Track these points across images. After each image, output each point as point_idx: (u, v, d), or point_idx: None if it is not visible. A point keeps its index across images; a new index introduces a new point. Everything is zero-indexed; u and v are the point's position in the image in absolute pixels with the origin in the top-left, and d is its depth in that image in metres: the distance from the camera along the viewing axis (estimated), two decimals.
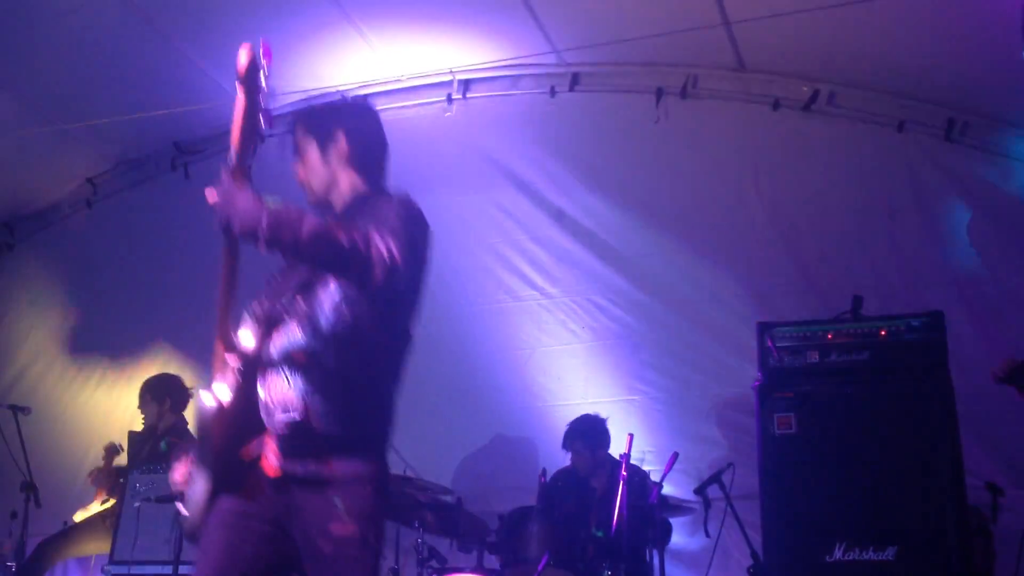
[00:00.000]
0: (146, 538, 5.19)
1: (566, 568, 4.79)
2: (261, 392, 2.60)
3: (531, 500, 5.40)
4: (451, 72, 6.98)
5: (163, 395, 6.27)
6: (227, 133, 8.11)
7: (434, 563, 5.29)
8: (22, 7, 6.08)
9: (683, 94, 6.48)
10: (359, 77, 7.10)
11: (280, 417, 2.57)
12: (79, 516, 6.34)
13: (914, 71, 5.95)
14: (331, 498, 2.53)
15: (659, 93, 6.50)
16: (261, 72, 2.56)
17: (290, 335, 2.63)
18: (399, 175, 7.21)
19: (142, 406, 6.30)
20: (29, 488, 6.00)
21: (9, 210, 7.87)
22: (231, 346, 2.59)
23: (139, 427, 6.33)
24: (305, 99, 7.23)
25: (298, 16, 6.36)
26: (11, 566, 6.33)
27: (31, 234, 7.97)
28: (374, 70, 7.00)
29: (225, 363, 2.57)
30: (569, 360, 6.29)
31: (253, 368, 2.60)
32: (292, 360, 2.61)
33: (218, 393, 2.55)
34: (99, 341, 7.56)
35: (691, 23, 6.00)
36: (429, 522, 5.16)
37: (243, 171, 2.54)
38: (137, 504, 5.27)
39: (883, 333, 4.50)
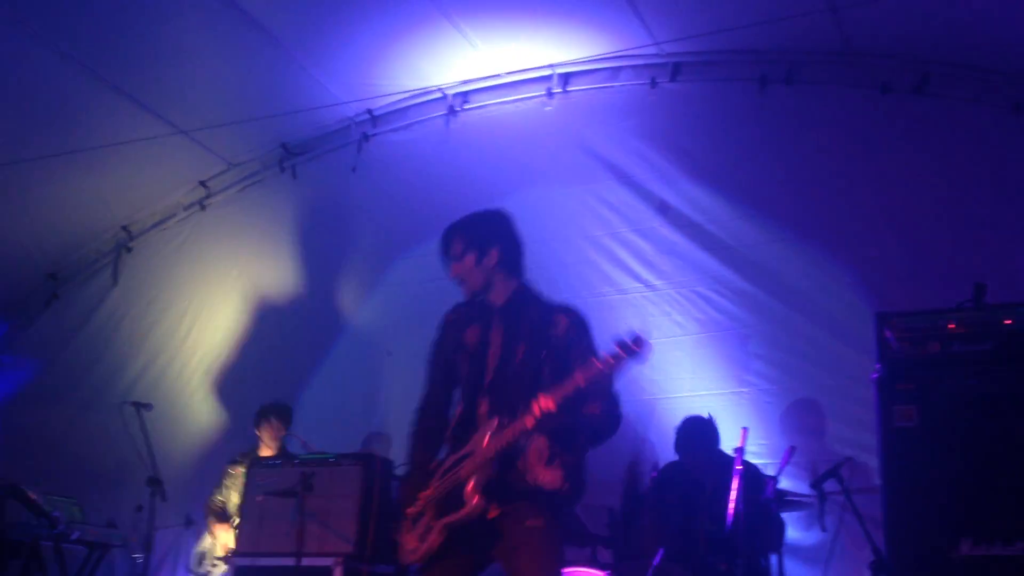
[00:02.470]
0: (268, 530, 5.34)
1: (681, 563, 4.78)
2: None
3: (640, 495, 5.41)
4: (551, 67, 7.00)
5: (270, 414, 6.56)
6: (333, 134, 8.28)
7: None
8: (137, 15, 6.31)
9: (787, 80, 6.38)
10: (460, 75, 7.20)
11: None
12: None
13: None
14: None
15: (763, 80, 6.42)
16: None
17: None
18: (501, 170, 7.37)
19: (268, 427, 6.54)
20: (154, 483, 6.22)
21: (128, 213, 8.15)
22: None
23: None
24: (408, 99, 7.42)
25: (399, 16, 6.47)
26: (137, 558, 6.59)
27: (149, 236, 8.24)
28: (474, 67, 7.08)
29: None
30: (675, 353, 6.24)
31: None
32: None
33: None
34: (213, 339, 7.81)
35: (795, 9, 5.90)
36: None
37: None
38: (259, 498, 5.43)
39: (1007, 322, 4.35)
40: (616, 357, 2.98)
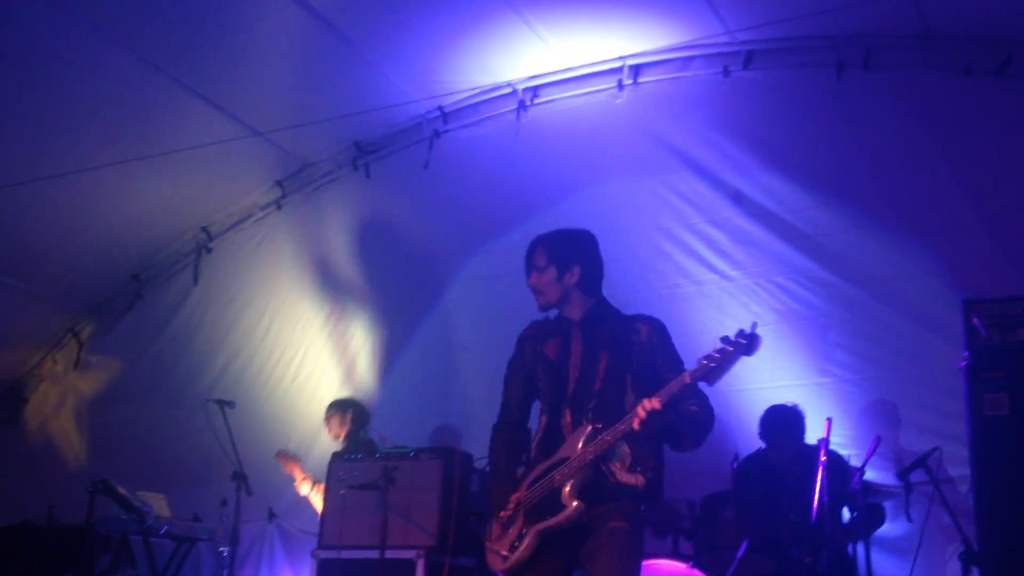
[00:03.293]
0: (352, 523, 5.42)
1: (765, 555, 4.74)
2: None
3: (720, 486, 5.36)
4: (621, 59, 6.97)
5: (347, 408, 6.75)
6: (405, 131, 8.34)
7: None
8: (212, 21, 6.44)
9: (865, 65, 6.26)
10: (530, 69, 7.20)
11: None
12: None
13: None
14: None
15: (840, 66, 6.30)
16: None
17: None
18: (572, 164, 7.36)
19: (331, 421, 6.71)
20: (239, 477, 6.35)
21: (207, 214, 8.32)
22: None
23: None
24: (478, 95, 7.45)
25: (468, 13, 6.50)
26: (223, 551, 6.73)
27: (227, 236, 8.39)
28: (544, 61, 7.08)
29: None
30: None
31: None
32: None
33: None
34: (291, 336, 7.94)
35: None
36: None
37: None
38: (342, 491, 5.51)
39: None
40: (724, 353, 3.02)
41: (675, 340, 6.19)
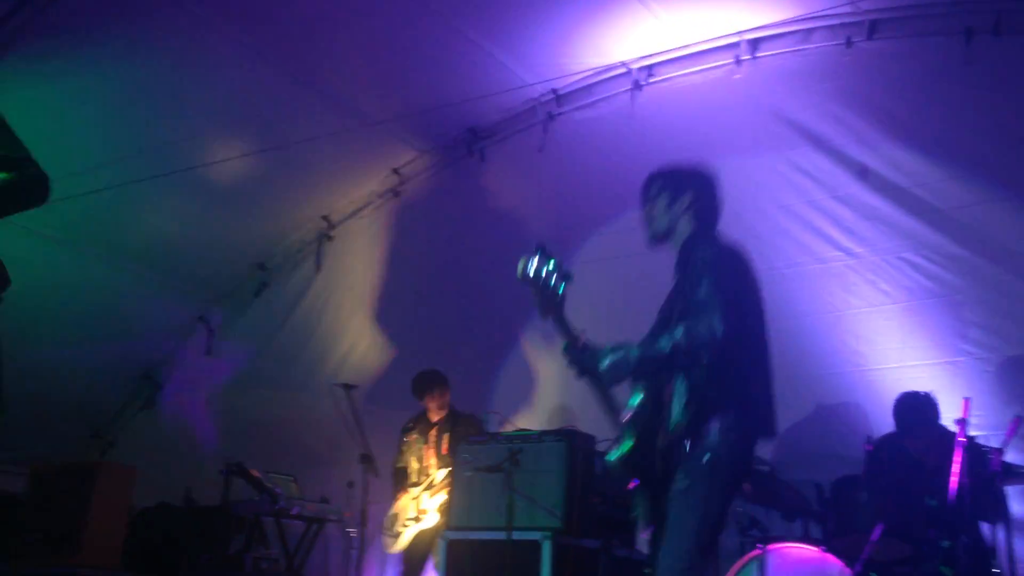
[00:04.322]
0: (478, 506, 5.49)
1: (901, 539, 4.62)
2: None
3: (847, 469, 5.24)
4: (738, 33, 6.84)
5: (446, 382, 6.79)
6: (519, 115, 8.36)
7: (755, 532, 5.27)
8: (327, 16, 6.57)
9: (995, 31, 5.98)
10: (644, 48, 7.14)
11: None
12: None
13: None
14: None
15: (968, 33, 6.05)
16: None
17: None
18: (689, 143, 7.25)
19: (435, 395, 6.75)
20: (367, 459, 6.50)
21: (327, 203, 8.51)
22: None
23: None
24: (592, 76, 7.41)
25: None
26: (351, 531, 6.91)
27: (347, 224, 8.57)
28: (659, 40, 7.01)
29: None
30: (882, 322, 6.01)
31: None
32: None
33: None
34: (410, 321, 8.07)
35: None
36: (748, 491, 5.14)
37: None
38: (468, 474, 5.58)
39: None
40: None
41: (798, 320, 6.17)
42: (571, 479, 5.34)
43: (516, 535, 5.13)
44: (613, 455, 3.39)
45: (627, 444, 3.37)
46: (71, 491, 6.61)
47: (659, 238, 3.61)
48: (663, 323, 3.45)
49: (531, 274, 3.29)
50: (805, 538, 5.05)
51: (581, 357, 3.40)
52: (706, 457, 3.20)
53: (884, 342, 5.98)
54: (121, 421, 9.09)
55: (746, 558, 4.98)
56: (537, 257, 3.30)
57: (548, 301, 3.35)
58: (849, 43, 6.46)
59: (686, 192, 3.55)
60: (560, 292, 3.33)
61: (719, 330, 3.16)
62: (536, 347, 7.40)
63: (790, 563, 4.85)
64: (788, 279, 6.33)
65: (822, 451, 5.85)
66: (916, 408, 5.17)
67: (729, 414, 3.24)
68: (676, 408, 3.25)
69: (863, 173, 6.29)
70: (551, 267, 3.31)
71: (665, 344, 3.25)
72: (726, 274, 3.33)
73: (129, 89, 6.80)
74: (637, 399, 3.44)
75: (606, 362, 3.30)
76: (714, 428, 3.22)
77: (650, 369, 3.33)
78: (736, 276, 3.39)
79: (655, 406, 3.36)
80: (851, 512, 4.87)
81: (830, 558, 4.72)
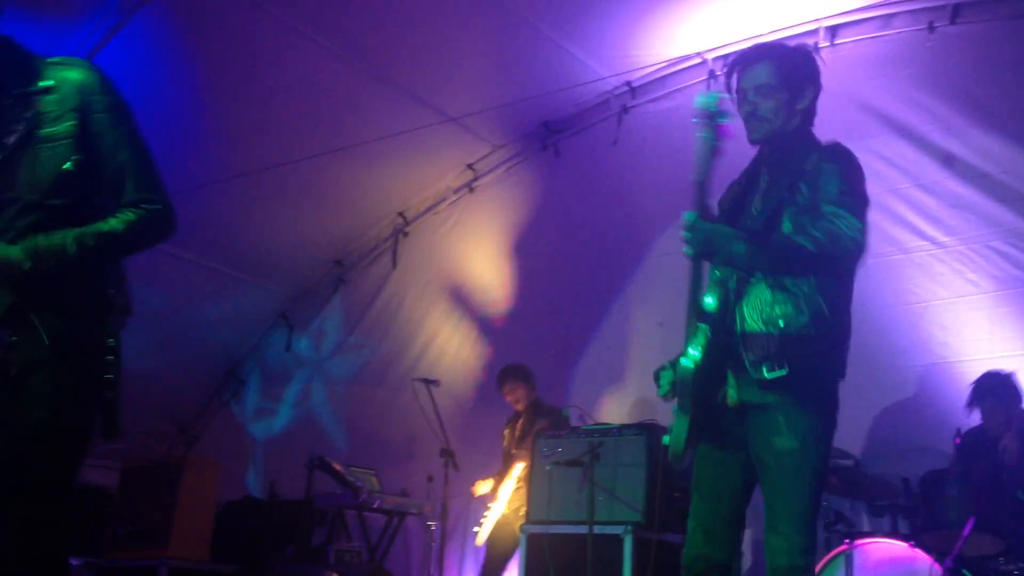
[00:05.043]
0: (558, 499, 5.50)
1: (994, 533, 4.52)
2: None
3: (935, 462, 5.15)
4: (816, 21, 6.72)
5: (529, 377, 6.88)
6: (593, 108, 8.34)
7: (840, 527, 5.19)
8: (403, 12, 6.61)
9: None
10: (719, 38, 7.03)
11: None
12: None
13: None
14: (775, 417, 2.84)
15: None
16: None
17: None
18: None
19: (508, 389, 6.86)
20: (447, 454, 6.56)
21: (403, 199, 8.57)
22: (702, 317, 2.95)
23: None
24: (667, 67, 7.35)
25: None
26: (431, 525, 6.98)
27: (423, 220, 8.62)
28: (734, 29, 6.90)
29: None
30: (970, 313, 5.88)
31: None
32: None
33: (694, 355, 2.94)
34: (487, 316, 8.11)
35: None
36: (834, 485, 5.07)
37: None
38: (548, 467, 5.60)
39: None
40: None
41: (882, 311, 6.05)
42: (652, 473, 5.33)
43: (597, 529, 5.13)
44: (687, 360, 2.88)
45: (696, 353, 2.89)
46: (159, 486, 6.78)
47: (762, 139, 3.10)
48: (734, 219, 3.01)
49: (707, 103, 2.86)
50: (893, 533, 4.97)
51: (712, 231, 2.82)
52: (816, 419, 2.81)
53: (971, 333, 5.84)
54: (206, 416, 9.29)
55: (832, 553, 4.91)
56: (717, 98, 2.89)
57: (712, 136, 2.84)
58: (931, 28, 6.29)
59: (809, 88, 3.10)
60: (720, 135, 2.85)
61: (862, 238, 2.77)
62: (615, 339, 7.40)
63: (878, 559, 4.77)
64: (871, 269, 6.15)
65: (909, 444, 5.75)
66: (999, 382, 5.10)
67: (838, 357, 2.87)
68: (777, 332, 2.80)
69: (948, 160, 6.14)
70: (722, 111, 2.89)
71: (807, 241, 2.73)
72: (862, 180, 2.98)
73: (210, 90, 6.93)
74: (715, 303, 2.95)
75: (741, 247, 2.80)
76: (826, 375, 2.84)
77: (777, 269, 2.84)
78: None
79: (731, 318, 2.92)
80: (940, 506, 4.78)
81: (920, 553, 4.63)
